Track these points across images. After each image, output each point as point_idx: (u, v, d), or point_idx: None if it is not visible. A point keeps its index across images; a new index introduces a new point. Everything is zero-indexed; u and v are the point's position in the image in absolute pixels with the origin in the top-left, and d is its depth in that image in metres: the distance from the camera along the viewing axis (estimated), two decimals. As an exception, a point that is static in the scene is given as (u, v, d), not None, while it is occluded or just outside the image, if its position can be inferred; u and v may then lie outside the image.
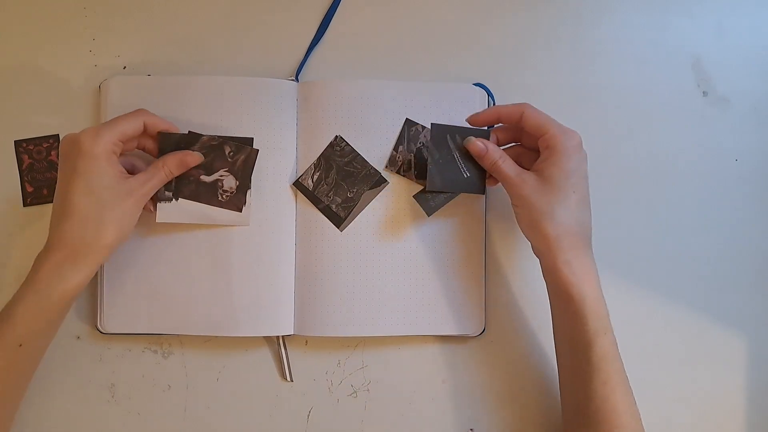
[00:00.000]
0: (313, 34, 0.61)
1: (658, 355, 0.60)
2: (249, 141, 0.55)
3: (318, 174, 0.57)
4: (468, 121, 0.55)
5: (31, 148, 0.59)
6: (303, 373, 0.59)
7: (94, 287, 0.57)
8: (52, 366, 0.57)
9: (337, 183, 0.57)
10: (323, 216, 0.58)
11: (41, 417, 0.57)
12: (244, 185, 0.55)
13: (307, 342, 0.59)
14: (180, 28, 0.61)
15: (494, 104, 0.60)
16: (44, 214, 0.59)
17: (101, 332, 0.57)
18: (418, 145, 0.58)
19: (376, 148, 0.58)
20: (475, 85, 0.60)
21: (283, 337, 0.58)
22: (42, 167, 0.59)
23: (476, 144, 0.53)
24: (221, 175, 0.55)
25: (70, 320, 0.58)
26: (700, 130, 0.62)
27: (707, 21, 0.63)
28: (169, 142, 0.53)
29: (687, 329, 0.60)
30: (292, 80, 0.60)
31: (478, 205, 0.59)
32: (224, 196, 0.55)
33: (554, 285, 0.51)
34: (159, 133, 0.53)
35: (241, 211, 0.56)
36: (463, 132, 0.54)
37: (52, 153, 0.59)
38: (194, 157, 0.53)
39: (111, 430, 0.58)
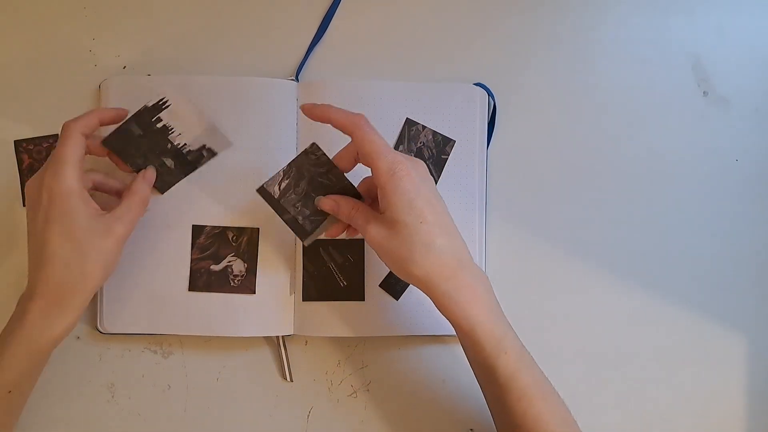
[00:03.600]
0: (313, 34, 0.61)
1: (658, 355, 0.60)
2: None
3: (287, 182, 0.52)
4: (301, 108, 0.51)
5: (31, 147, 0.59)
6: (303, 373, 0.59)
7: (94, 287, 0.57)
8: (52, 366, 0.57)
9: (307, 194, 0.52)
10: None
11: (41, 417, 0.57)
12: (252, 266, 0.56)
13: (307, 342, 0.59)
14: (180, 28, 0.61)
15: (495, 104, 0.60)
16: (44, 214, 0.59)
17: (101, 332, 0.57)
18: (419, 145, 0.58)
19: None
20: (475, 85, 0.60)
21: (283, 337, 0.58)
22: (42, 167, 0.59)
23: (326, 202, 0.51)
24: (229, 261, 0.56)
25: (70, 320, 0.58)
26: (700, 130, 0.62)
27: (707, 21, 0.63)
28: (120, 142, 0.53)
29: (687, 329, 0.60)
30: (292, 80, 0.60)
31: (477, 204, 0.59)
32: (236, 281, 0.56)
33: (447, 319, 0.49)
34: (103, 142, 0.52)
35: (254, 293, 0.56)
36: (335, 244, 0.56)
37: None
38: (151, 171, 0.54)
39: (111, 430, 0.58)
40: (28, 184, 0.50)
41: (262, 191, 0.52)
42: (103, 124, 0.52)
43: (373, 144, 0.47)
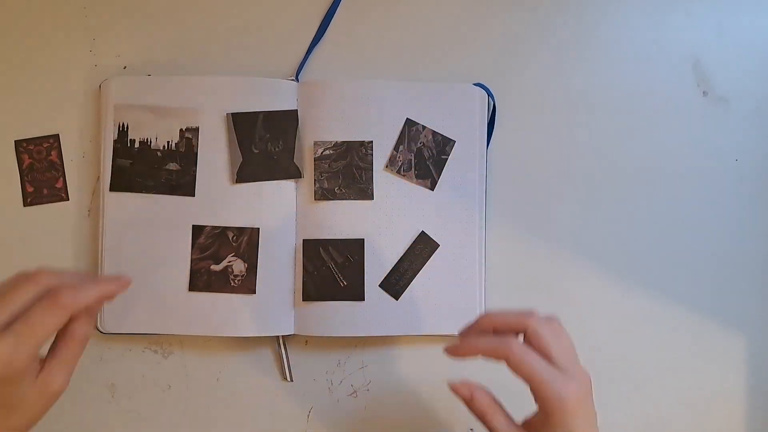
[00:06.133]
0: (313, 34, 0.61)
1: (658, 355, 0.60)
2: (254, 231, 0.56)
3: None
4: (446, 351, 0.45)
5: (32, 148, 0.59)
6: (303, 373, 0.59)
7: (94, 287, 0.57)
8: (53, 366, 0.57)
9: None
10: (324, 214, 0.58)
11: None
12: (252, 266, 0.56)
13: (307, 342, 0.59)
14: (180, 28, 0.61)
15: (494, 104, 0.60)
16: (45, 214, 0.59)
17: (101, 332, 0.57)
18: (419, 145, 0.58)
19: (376, 148, 0.58)
20: (475, 85, 0.60)
21: (283, 337, 0.58)
22: (42, 167, 0.59)
23: (461, 388, 0.44)
24: (229, 261, 0.56)
25: (70, 320, 0.58)
26: (700, 131, 0.62)
27: (707, 21, 0.63)
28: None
29: (687, 329, 0.60)
30: (292, 80, 0.60)
31: (477, 204, 0.59)
32: (236, 281, 0.56)
33: None
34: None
35: (254, 293, 0.56)
36: (335, 244, 0.56)
37: (53, 153, 0.59)
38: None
39: (111, 430, 0.58)
40: None
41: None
42: (104, 301, 0.44)
43: (532, 367, 0.42)
